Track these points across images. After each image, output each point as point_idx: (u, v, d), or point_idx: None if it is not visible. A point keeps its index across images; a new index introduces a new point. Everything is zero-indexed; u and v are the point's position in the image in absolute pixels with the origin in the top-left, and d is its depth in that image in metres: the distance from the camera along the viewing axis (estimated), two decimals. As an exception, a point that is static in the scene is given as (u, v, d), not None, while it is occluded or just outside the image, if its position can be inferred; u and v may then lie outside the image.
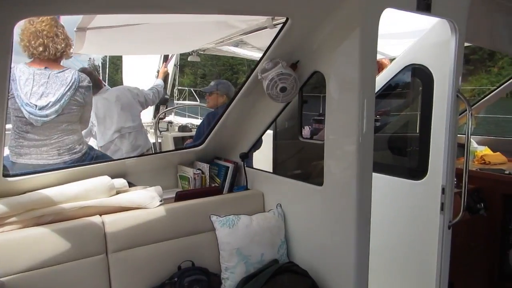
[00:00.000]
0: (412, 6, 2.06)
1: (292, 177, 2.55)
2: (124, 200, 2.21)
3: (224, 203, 2.49)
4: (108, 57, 12.52)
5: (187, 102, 11.29)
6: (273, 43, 2.23)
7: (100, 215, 2.13)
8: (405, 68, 2.76)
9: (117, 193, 2.29)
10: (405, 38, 3.43)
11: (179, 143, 5.20)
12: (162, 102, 5.74)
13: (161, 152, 4.54)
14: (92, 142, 4.45)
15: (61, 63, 2.88)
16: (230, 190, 2.77)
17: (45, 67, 2.71)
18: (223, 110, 2.70)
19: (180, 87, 11.28)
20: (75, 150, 2.79)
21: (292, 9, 2.01)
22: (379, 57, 3.99)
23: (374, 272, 2.15)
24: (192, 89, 14.19)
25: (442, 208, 2.42)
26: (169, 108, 6.38)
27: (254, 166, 2.91)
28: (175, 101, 9.74)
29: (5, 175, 2.07)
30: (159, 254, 2.20)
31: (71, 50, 2.91)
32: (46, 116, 2.65)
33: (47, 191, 2.10)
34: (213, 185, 2.81)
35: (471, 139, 4.22)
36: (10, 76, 1.89)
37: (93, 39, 3.55)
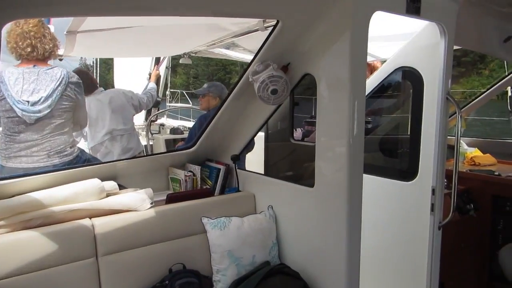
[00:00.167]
0: (402, 9, 2.07)
1: (283, 179, 2.56)
2: (114, 203, 2.20)
3: (216, 205, 2.48)
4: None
5: (179, 104, 11.27)
6: (264, 46, 2.23)
7: (90, 218, 2.11)
8: (396, 70, 2.78)
9: (107, 195, 2.27)
10: (397, 41, 3.46)
11: (170, 145, 5.19)
12: (154, 104, 5.73)
13: (152, 154, 4.52)
14: (82, 144, 4.42)
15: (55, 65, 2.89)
16: (222, 192, 2.76)
17: (34, 65, 2.72)
18: (214, 112, 2.70)
19: (172, 90, 11.25)
20: (65, 153, 2.77)
21: (283, 12, 2.02)
22: (370, 59, 4.03)
23: (365, 272, 2.16)
24: (184, 92, 14.16)
25: (432, 209, 2.44)
26: (161, 111, 6.37)
27: (247, 168, 2.91)
28: (167, 104, 9.72)
29: (-6, 178, 2.05)
30: (150, 257, 2.18)
31: (59, 52, 2.92)
32: (39, 111, 2.66)
33: (36, 194, 2.08)
34: (204, 187, 2.81)
35: (461, 141, 4.26)
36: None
37: (83, 41, 3.54)
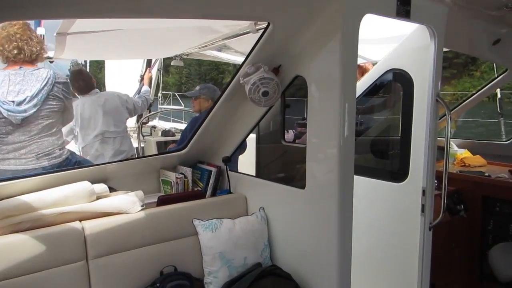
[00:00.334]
0: (392, 12, 2.09)
1: (275, 181, 2.56)
2: (105, 205, 2.18)
3: (207, 207, 2.48)
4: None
5: (171, 106, 11.22)
6: (255, 48, 2.23)
7: (80, 221, 2.10)
8: (386, 72, 2.80)
9: (98, 198, 2.26)
10: (388, 43, 3.48)
11: (162, 147, 5.17)
12: (145, 106, 5.71)
13: (143, 156, 4.50)
14: (72, 145, 4.39)
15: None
16: (213, 194, 2.76)
17: (20, 67, 2.73)
18: (206, 114, 2.69)
19: (164, 92, 11.21)
20: (54, 155, 2.75)
21: (274, 14, 2.02)
22: (362, 61, 4.04)
23: (356, 273, 2.17)
24: (176, 93, 14.11)
25: (423, 210, 2.46)
26: (152, 113, 6.34)
27: (239, 170, 2.91)
28: (159, 105, 9.68)
29: (-18, 181, 2.03)
30: (141, 260, 2.17)
31: (50, 54, 2.92)
32: (25, 111, 2.64)
33: (25, 197, 2.06)
34: (196, 189, 2.80)
35: (451, 142, 4.30)
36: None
37: (74, 43, 3.52)
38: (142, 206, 2.27)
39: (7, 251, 1.87)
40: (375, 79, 2.88)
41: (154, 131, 6.28)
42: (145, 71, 5.96)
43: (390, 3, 2.06)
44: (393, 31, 3.19)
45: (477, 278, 3.62)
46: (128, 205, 2.22)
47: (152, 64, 6.41)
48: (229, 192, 2.72)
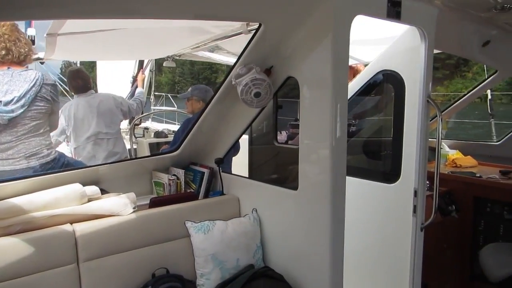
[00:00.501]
0: (383, 13, 2.10)
1: (267, 182, 2.56)
2: (96, 208, 2.17)
3: (200, 208, 2.47)
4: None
5: (163, 107, 11.18)
6: (247, 49, 2.23)
7: (71, 223, 2.08)
8: (378, 73, 2.81)
9: (89, 200, 2.24)
10: (380, 44, 3.50)
11: (154, 149, 5.15)
12: (137, 108, 5.69)
13: (135, 158, 4.48)
14: (64, 147, 4.36)
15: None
16: (206, 195, 2.75)
17: (8, 67, 2.73)
18: (198, 115, 2.69)
19: (157, 93, 11.17)
20: (42, 155, 2.75)
21: (265, 15, 2.02)
22: (354, 62, 4.06)
23: (348, 274, 2.17)
24: (169, 95, 14.06)
25: (414, 211, 2.47)
26: (145, 114, 6.31)
27: (233, 172, 2.90)
28: (152, 107, 9.64)
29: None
30: (133, 262, 2.16)
31: (35, 56, 2.94)
32: (12, 111, 2.64)
33: (16, 199, 2.04)
34: (188, 190, 2.79)
35: (443, 143, 4.34)
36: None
37: (64, 44, 3.49)
38: (134, 208, 2.26)
39: (-3, 254, 1.85)
40: (367, 80, 2.89)
41: (147, 132, 6.25)
42: (138, 72, 5.93)
43: (380, 4, 2.07)
44: (384, 32, 3.21)
45: (468, 278, 3.65)
46: (119, 207, 2.21)
47: (144, 65, 6.39)
48: (221, 193, 2.71)
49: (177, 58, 5.47)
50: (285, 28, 2.12)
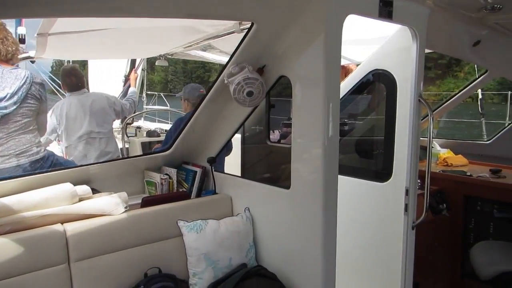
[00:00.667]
0: (374, 13, 2.11)
1: (260, 181, 2.56)
2: (87, 207, 2.15)
3: (192, 208, 2.46)
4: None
5: (156, 107, 11.13)
6: (239, 48, 2.23)
7: (62, 223, 2.06)
8: (370, 73, 2.82)
9: (80, 200, 2.23)
10: (372, 44, 3.52)
11: (147, 148, 5.13)
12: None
13: (127, 157, 4.46)
14: (55, 146, 4.33)
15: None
16: (198, 194, 2.75)
17: None
18: (190, 114, 2.68)
19: (149, 92, 11.12)
20: (32, 152, 2.75)
21: (257, 14, 2.02)
22: (346, 62, 4.08)
23: (341, 272, 2.18)
24: (162, 94, 14.01)
25: (406, 209, 2.48)
26: (137, 113, 6.28)
27: (226, 171, 2.90)
28: (144, 106, 9.60)
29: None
30: (125, 262, 2.15)
31: (25, 54, 2.98)
32: (5, 108, 2.67)
33: (5, 199, 2.02)
34: (180, 190, 2.78)
35: (434, 142, 4.37)
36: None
37: (55, 44, 3.47)
38: (125, 207, 2.24)
39: (-14, 254, 1.83)
40: (359, 79, 2.91)
41: (139, 131, 6.22)
42: (130, 71, 5.90)
43: (372, 4, 2.08)
44: (376, 32, 3.23)
45: (459, 276, 3.68)
46: (111, 206, 2.20)
47: (137, 64, 6.36)
48: (214, 192, 2.71)
49: (170, 57, 5.45)
50: (277, 28, 2.12)
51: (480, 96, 6.04)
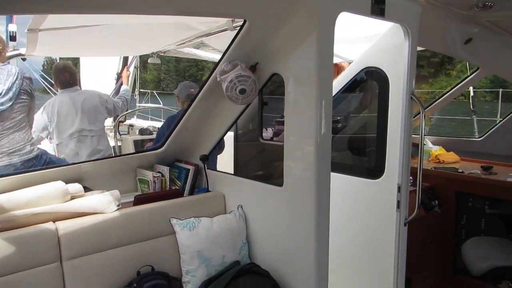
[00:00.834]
0: (367, 10, 2.11)
1: (253, 178, 2.56)
2: (79, 205, 2.14)
3: (185, 206, 2.46)
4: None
5: (149, 104, 11.08)
6: (232, 45, 2.23)
7: (54, 221, 2.05)
8: (362, 70, 2.83)
9: (72, 198, 2.21)
10: (364, 43, 3.53)
11: (139, 146, 5.11)
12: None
13: (119, 155, 4.44)
14: (47, 144, 4.30)
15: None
16: (191, 192, 2.74)
17: None
18: (182, 112, 2.67)
19: (142, 90, 11.06)
20: (25, 151, 2.73)
21: (250, 11, 2.02)
22: (338, 60, 4.08)
23: (334, 269, 2.19)
24: (155, 92, 13.93)
25: (398, 206, 2.50)
26: (130, 111, 6.25)
27: (218, 168, 2.89)
28: (137, 104, 9.55)
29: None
30: (117, 260, 2.14)
31: (14, 52, 2.98)
32: (2, 104, 2.69)
33: (-4, 198, 2.00)
34: (173, 188, 2.78)
35: (426, 139, 4.40)
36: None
37: (46, 40, 3.43)
38: (118, 205, 2.23)
39: (-23, 253, 1.81)
40: (352, 77, 2.91)
41: (132, 129, 6.19)
42: (122, 69, 5.87)
43: (365, 1, 2.09)
44: (369, 30, 3.24)
45: (451, 272, 3.72)
46: (103, 204, 2.18)
47: (129, 62, 6.33)
48: (207, 190, 2.70)
49: (162, 54, 5.43)
50: (270, 25, 2.11)
51: (471, 94, 6.07)
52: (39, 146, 3.31)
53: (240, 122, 2.84)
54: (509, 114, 4.38)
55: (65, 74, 4.00)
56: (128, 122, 6.63)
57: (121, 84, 5.27)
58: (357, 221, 2.76)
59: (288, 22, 2.06)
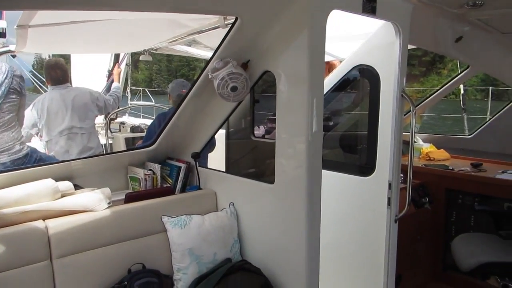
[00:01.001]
0: (358, 8, 2.12)
1: (244, 176, 2.56)
2: (69, 203, 2.12)
3: (176, 203, 2.45)
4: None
5: (140, 102, 11.02)
6: (223, 42, 2.22)
7: (44, 219, 2.03)
8: (354, 68, 2.84)
9: (62, 196, 2.20)
10: (355, 41, 3.53)
11: (131, 144, 5.08)
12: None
13: (110, 153, 4.41)
14: (37, 142, 4.26)
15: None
16: (183, 190, 2.74)
17: None
18: (174, 109, 2.66)
19: (133, 87, 11.00)
20: (14, 150, 2.70)
21: (241, 9, 2.01)
22: (330, 58, 4.09)
23: (325, 266, 2.20)
24: (147, 89, 13.86)
25: (389, 203, 2.52)
26: (121, 108, 6.22)
27: (210, 166, 2.88)
28: (129, 101, 9.49)
29: None
30: (108, 258, 2.13)
31: (11, 47, 2.91)
32: None
33: (-15, 196, 1.98)
34: (165, 185, 2.77)
35: (417, 137, 4.43)
36: None
37: (36, 37, 3.40)
38: (108, 203, 2.22)
39: (-35, 252, 1.79)
40: (343, 75, 2.92)
41: (123, 127, 6.16)
42: (114, 66, 5.83)
43: None
44: (360, 29, 3.25)
45: (441, 268, 3.75)
46: (94, 202, 2.17)
47: (120, 60, 6.29)
48: (198, 188, 2.70)
49: (154, 52, 5.40)
50: (261, 23, 2.11)
51: (462, 91, 6.13)
52: (29, 144, 3.27)
53: (232, 120, 2.83)
54: (498, 112, 4.43)
55: (56, 71, 3.97)
56: (119, 119, 6.58)
57: (112, 81, 5.24)
58: (348, 218, 2.77)
59: (280, 20, 2.06)
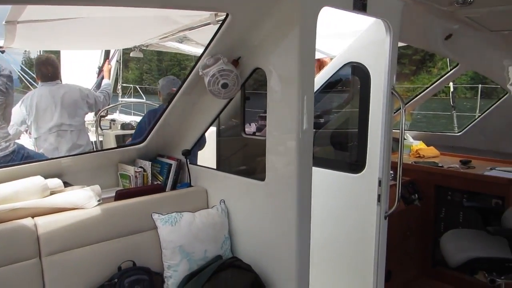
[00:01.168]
0: (349, 5, 2.13)
1: (235, 173, 2.56)
2: (58, 201, 2.11)
3: (167, 200, 2.44)
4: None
5: (132, 99, 10.94)
6: (214, 39, 2.21)
7: (33, 217, 2.01)
8: (344, 66, 2.85)
9: (52, 193, 2.18)
10: (346, 38, 3.54)
11: (121, 141, 5.05)
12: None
13: (100, 150, 4.38)
14: (26, 139, 4.22)
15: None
16: (173, 187, 2.73)
17: None
18: (165, 107, 2.65)
19: (124, 84, 10.91)
20: (0, 148, 2.65)
21: (232, 5, 2.01)
22: (321, 55, 4.10)
23: (315, 263, 2.22)
24: (137, 86, 13.76)
25: (379, 200, 2.53)
26: (111, 105, 6.17)
27: (201, 163, 2.88)
28: (119, 98, 9.42)
29: None
30: (98, 256, 2.11)
31: None
32: None
33: (-28, 193, 1.96)
34: (155, 183, 2.76)
35: (407, 134, 4.46)
36: None
37: (25, 33, 3.36)
38: (99, 201, 2.21)
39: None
40: (333, 72, 2.93)
41: (114, 124, 6.11)
42: (104, 63, 5.78)
43: None
44: (351, 26, 3.26)
45: (430, 263, 3.80)
46: (83, 200, 2.16)
47: (111, 56, 6.24)
48: (189, 185, 2.69)
49: (145, 48, 5.37)
50: (252, 19, 2.11)
51: (451, 89, 6.19)
52: (17, 141, 3.24)
53: (223, 117, 2.83)
54: (487, 110, 4.48)
55: (47, 68, 3.92)
56: (110, 117, 6.53)
57: (103, 78, 5.19)
58: (338, 214, 2.79)
59: (271, 16, 2.06)
